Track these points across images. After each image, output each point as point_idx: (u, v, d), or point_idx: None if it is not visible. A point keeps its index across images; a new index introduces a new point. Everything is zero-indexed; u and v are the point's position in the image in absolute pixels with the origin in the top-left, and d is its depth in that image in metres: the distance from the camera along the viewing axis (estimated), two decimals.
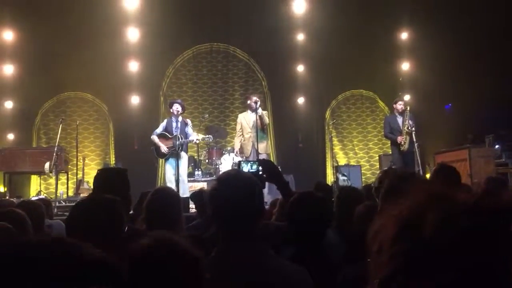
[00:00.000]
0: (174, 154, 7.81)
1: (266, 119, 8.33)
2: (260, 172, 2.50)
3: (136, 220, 3.29)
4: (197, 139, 7.99)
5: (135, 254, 1.37)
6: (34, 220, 3.05)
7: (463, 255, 0.65)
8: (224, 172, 1.91)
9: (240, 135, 8.45)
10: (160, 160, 8.80)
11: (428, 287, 0.65)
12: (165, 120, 8.34)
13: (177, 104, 8.09)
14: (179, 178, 7.74)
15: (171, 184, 7.63)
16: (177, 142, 7.77)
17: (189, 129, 8.01)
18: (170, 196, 3.00)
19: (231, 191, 1.68)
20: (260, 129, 8.07)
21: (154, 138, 8.05)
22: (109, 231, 1.88)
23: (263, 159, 2.91)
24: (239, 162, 2.64)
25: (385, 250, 0.71)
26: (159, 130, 8.14)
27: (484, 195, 0.71)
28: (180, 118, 8.04)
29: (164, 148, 7.88)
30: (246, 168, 2.53)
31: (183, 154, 7.95)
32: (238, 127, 8.55)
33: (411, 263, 0.67)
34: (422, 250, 0.67)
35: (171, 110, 8.08)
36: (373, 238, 0.75)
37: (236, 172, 1.88)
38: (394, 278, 0.68)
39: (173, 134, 7.87)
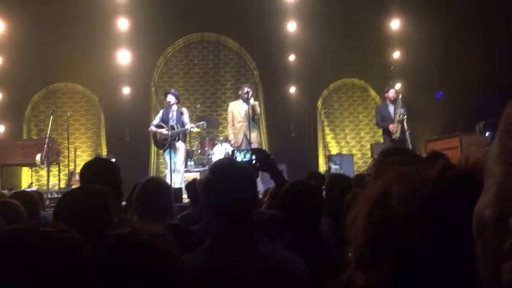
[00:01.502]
0: (171, 144, 7.86)
1: (258, 110, 8.33)
2: (254, 161, 2.50)
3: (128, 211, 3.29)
4: (191, 127, 8.00)
5: (106, 243, 1.37)
6: (29, 211, 3.04)
7: (426, 219, 0.68)
8: (218, 161, 1.91)
9: (232, 125, 8.46)
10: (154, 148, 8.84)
11: (396, 250, 0.68)
12: (161, 111, 8.39)
13: (169, 95, 8.13)
14: (175, 168, 7.78)
15: (168, 174, 7.68)
16: (169, 133, 7.78)
17: (185, 118, 8.03)
18: (160, 186, 2.99)
19: (226, 180, 1.69)
20: (252, 119, 8.08)
21: (152, 128, 8.12)
22: (96, 222, 1.87)
23: (257, 148, 2.92)
24: (233, 151, 2.64)
25: (359, 228, 0.74)
26: (155, 121, 8.21)
27: (448, 165, 0.74)
28: (175, 108, 8.07)
29: (163, 131, 7.90)
30: (239, 157, 2.54)
31: (179, 144, 7.97)
32: (229, 116, 8.54)
33: (382, 233, 0.71)
34: (390, 219, 0.70)
35: (166, 101, 8.17)
36: (350, 224, 0.78)
37: (230, 161, 1.89)
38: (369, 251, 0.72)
39: (169, 125, 7.89)
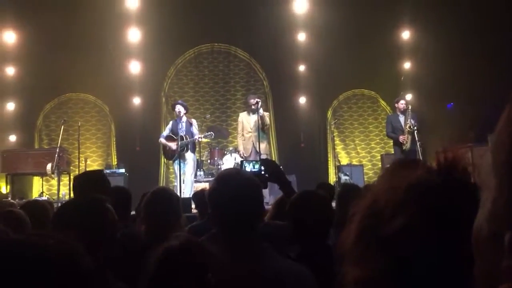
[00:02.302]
0: (180, 155, 7.88)
1: (267, 120, 8.33)
2: (263, 172, 2.48)
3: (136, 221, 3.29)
4: (199, 137, 8.02)
5: (160, 256, 1.37)
6: (40, 220, 3.05)
7: (406, 207, 0.71)
8: (223, 171, 1.90)
9: (241, 135, 8.47)
10: (164, 159, 8.89)
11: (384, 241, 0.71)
12: (171, 122, 8.43)
13: (179, 105, 8.15)
14: (184, 178, 7.79)
15: (176, 184, 7.68)
16: (179, 143, 7.80)
17: (194, 129, 8.06)
18: (168, 196, 2.99)
19: (231, 190, 1.67)
20: (261, 129, 8.08)
21: (162, 140, 8.17)
22: (95, 230, 1.86)
23: (266, 159, 2.91)
24: (242, 161, 2.63)
25: (352, 231, 0.79)
26: (165, 132, 8.26)
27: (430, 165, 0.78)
28: (184, 119, 8.09)
29: (172, 146, 7.95)
30: (248, 167, 2.52)
31: (188, 154, 7.99)
32: (239, 127, 8.58)
33: (370, 226, 0.74)
34: (377, 210, 0.74)
35: (174, 112, 8.18)
36: (347, 234, 0.81)
37: (236, 171, 1.88)
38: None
39: (178, 135, 7.92)
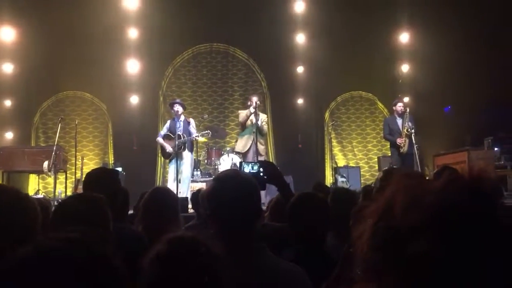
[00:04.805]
0: (177, 153, 7.87)
1: (265, 129, 8.29)
2: (261, 174, 2.49)
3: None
4: (196, 136, 8.01)
5: (158, 253, 1.35)
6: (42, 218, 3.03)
7: (430, 229, 0.67)
8: (222, 172, 1.90)
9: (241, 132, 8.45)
10: (161, 157, 8.91)
11: (402, 261, 0.68)
12: (168, 121, 8.41)
13: (177, 105, 8.14)
14: (181, 177, 7.77)
15: (173, 184, 7.65)
16: (176, 142, 7.79)
17: (191, 128, 8.06)
18: (167, 196, 3.00)
19: (229, 191, 1.68)
20: (259, 133, 8.05)
21: (159, 140, 8.16)
22: (93, 227, 1.86)
23: (264, 161, 2.91)
24: (240, 163, 2.63)
25: (365, 239, 0.76)
26: (163, 131, 8.24)
27: (453, 176, 0.74)
28: (182, 118, 8.09)
29: (169, 148, 7.93)
30: (247, 169, 2.52)
31: (185, 153, 7.97)
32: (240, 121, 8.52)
33: (386, 240, 0.71)
34: (394, 229, 0.71)
35: (172, 111, 8.16)
36: (358, 237, 0.78)
37: (234, 172, 1.88)
38: (375, 254, 0.73)
39: (176, 134, 7.91)
